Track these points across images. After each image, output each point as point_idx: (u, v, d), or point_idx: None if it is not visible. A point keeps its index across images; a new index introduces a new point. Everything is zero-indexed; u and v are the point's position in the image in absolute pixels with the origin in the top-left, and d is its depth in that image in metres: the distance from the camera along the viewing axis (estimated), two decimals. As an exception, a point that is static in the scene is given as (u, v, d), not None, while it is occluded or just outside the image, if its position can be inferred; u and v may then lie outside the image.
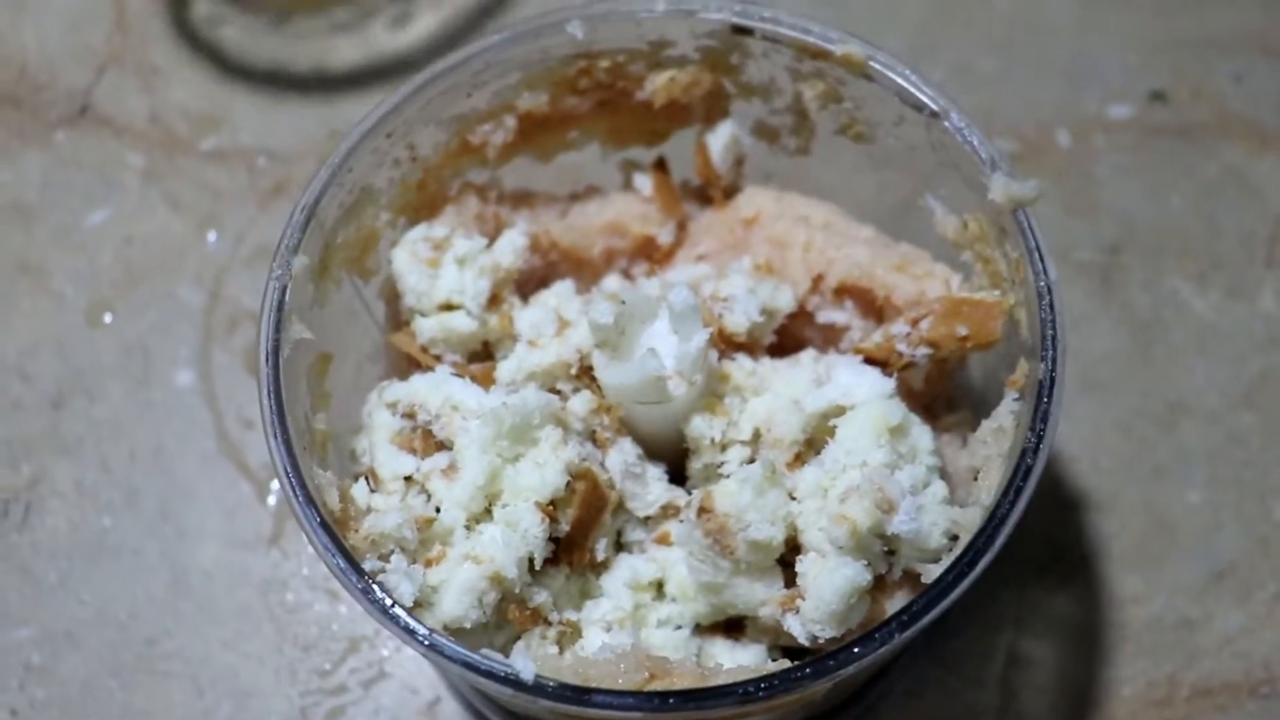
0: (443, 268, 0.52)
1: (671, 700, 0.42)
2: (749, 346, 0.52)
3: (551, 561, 0.48)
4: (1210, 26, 0.71)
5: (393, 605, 0.44)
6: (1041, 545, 0.59)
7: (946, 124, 0.49)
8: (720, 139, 0.55)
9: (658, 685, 0.43)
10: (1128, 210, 0.67)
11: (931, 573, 0.46)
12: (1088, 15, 0.72)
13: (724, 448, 0.50)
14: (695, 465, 0.50)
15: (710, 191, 0.56)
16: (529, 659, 0.42)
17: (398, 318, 0.54)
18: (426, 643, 0.43)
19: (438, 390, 0.50)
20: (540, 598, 0.48)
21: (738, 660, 0.48)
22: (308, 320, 0.49)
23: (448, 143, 0.53)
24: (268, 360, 0.47)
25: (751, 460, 0.49)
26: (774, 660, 0.48)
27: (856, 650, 0.41)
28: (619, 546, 0.50)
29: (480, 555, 0.47)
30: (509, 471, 0.48)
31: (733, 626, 0.49)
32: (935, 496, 0.47)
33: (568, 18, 0.52)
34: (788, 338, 0.53)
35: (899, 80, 0.50)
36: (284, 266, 0.48)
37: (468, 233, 0.54)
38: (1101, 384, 0.63)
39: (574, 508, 0.48)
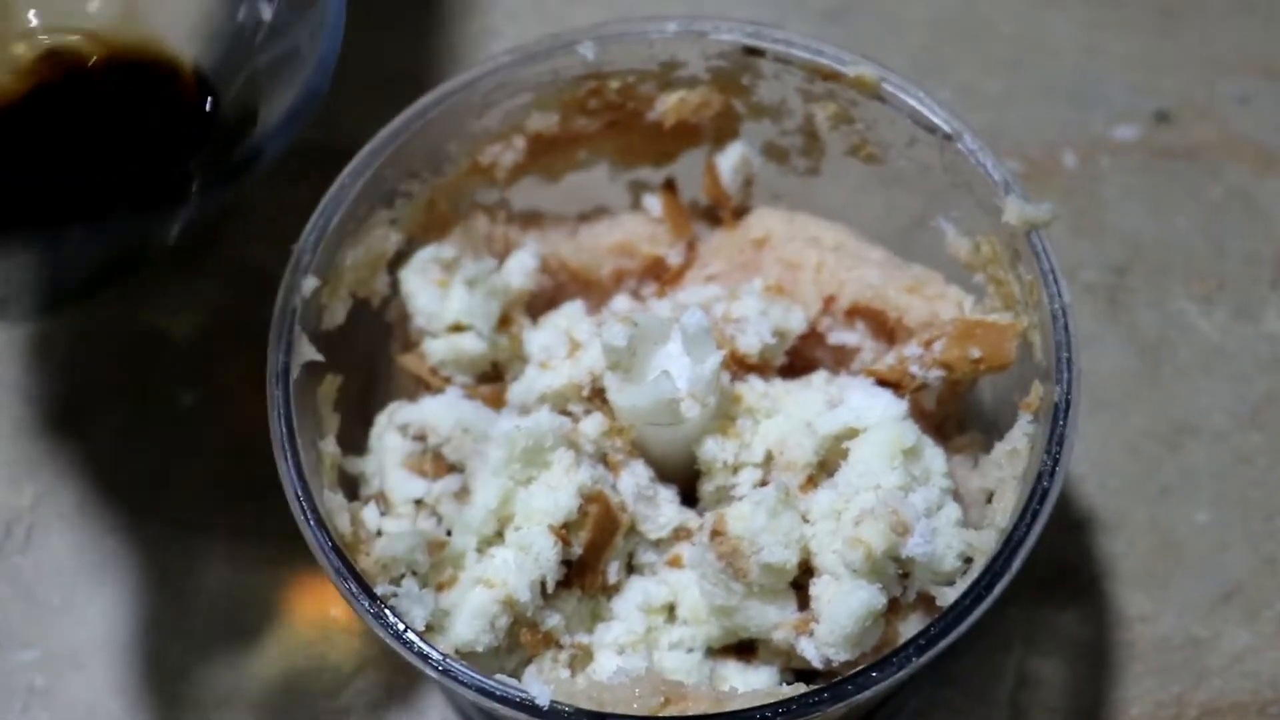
0: (452, 289, 0.52)
1: (687, 725, 0.42)
2: (761, 368, 0.51)
3: (563, 585, 0.48)
4: (1215, 48, 0.71)
5: (405, 630, 0.43)
6: (1049, 564, 0.59)
7: (959, 146, 0.49)
8: (730, 160, 0.55)
9: (673, 710, 0.43)
10: (1134, 231, 0.67)
11: (946, 595, 0.46)
12: (1092, 36, 0.72)
13: (736, 470, 0.50)
14: (707, 487, 0.50)
15: (720, 212, 0.56)
16: (544, 684, 0.42)
17: (407, 339, 0.54)
18: (440, 668, 0.43)
19: (449, 413, 0.50)
20: (552, 621, 0.48)
21: (750, 683, 0.48)
22: (316, 342, 0.49)
23: (457, 163, 0.53)
24: (277, 382, 0.47)
25: (764, 482, 0.49)
26: (787, 683, 0.48)
27: (875, 675, 0.41)
28: (631, 569, 0.50)
29: (492, 579, 0.47)
30: (521, 494, 0.48)
31: (745, 649, 0.49)
32: (949, 519, 0.47)
33: (579, 38, 0.52)
34: (799, 359, 0.53)
35: (911, 102, 0.50)
36: (294, 288, 0.48)
37: (477, 253, 0.53)
38: (1108, 404, 0.63)
39: (586, 530, 0.48)
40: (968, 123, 0.50)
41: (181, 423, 0.63)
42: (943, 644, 0.42)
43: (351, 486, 0.52)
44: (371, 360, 0.55)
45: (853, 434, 0.49)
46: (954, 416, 0.53)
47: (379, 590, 0.45)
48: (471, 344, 0.52)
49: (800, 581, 0.47)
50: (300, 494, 0.45)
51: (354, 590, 0.44)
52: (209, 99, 0.49)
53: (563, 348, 0.51)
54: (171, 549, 0.61)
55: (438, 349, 0.52)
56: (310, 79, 0.43)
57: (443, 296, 0.52)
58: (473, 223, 0.55)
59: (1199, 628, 0.58)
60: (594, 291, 0.55)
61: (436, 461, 0.49)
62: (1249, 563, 0.59)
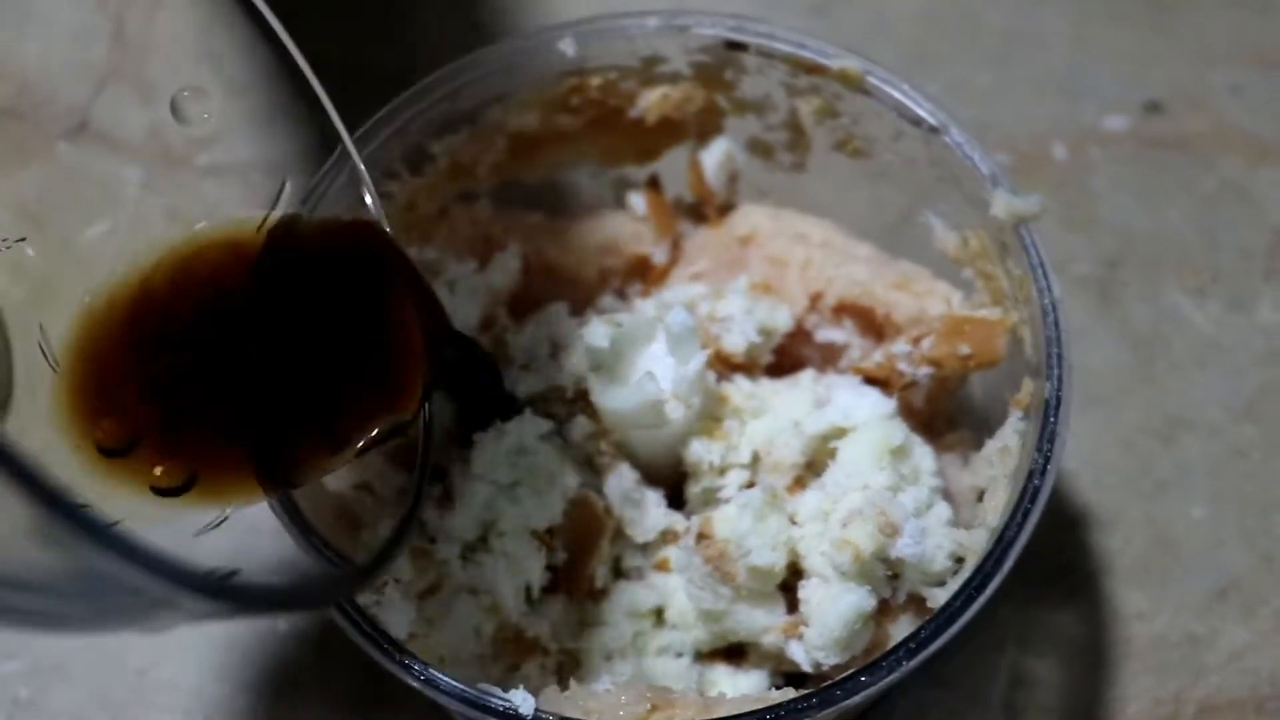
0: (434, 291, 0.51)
1: (675, 732, 0.41)
2: (747, 367, 0.51)
3: (549, 590, 0.48)
4: (1205, 38, 0.71)
5: (388, 638, 0.43)
6: (1043, 562, 0.58)
7: (946, 139, 0.48)
8: (714, 156, 0.55)
9: (660, 717, 0.42)
10: (1125, 223, 0.66)
11: (937, 596, 0.45)
12: (1082, 27, 0.71)
13: (723, 471, 0.49)
14: (694, 489, 0.49)
15: (705, 210, 0.55)
16: (528, 693, 0.41)
17: None
18: (422, 677, 0.42)
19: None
20: (539, 628, 0.47)
21: (739, 687, 0.47)
22: None
23: (437, 163, 0.53)
24: None
25: (751, 484, 0.49)
26: (776, 686, 0.48)
27: (864, 679, 0.41)
28: (618, 573, 0.49)
29: (477, 585, 0.46)
30: (505, 499, 0.47)
31: (734, 653, 0.49)
32: (939, 519, 0.47)
33: (559, 35, 0.51)
34: (786, 357, 0.52)
35: (896, 95, 0.49)
36: None
37: (459, 255, 0.53)
38: (1101, 399, 0.62)
39: (571, 535, 0.47)
40: (954, 115, 0.49)
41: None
42: (934, 646, 0.41)
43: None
44: None
45: (840, 433, 0.48)
46: (944, 414, 0.53)
47: (361, 599, 0.44)
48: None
49: (789, 584, 0.47)
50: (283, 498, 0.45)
51: (335, 598, 0.43)
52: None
53: (545, 349, 0.51)
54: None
55: (420, 352, 0.51)
56: None
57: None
58: (454, 224, 0.54)
59: (1196, 624, 0.58)
60: (578, 291, 0.55)
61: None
62: (1246, 558, 0.59)
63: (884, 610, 0.46)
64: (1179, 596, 0.58)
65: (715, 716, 0.42)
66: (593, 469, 0.49)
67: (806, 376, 0.51)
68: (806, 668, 0.46)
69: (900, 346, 0.50)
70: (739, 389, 0.50)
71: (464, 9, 0.72)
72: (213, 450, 0.42)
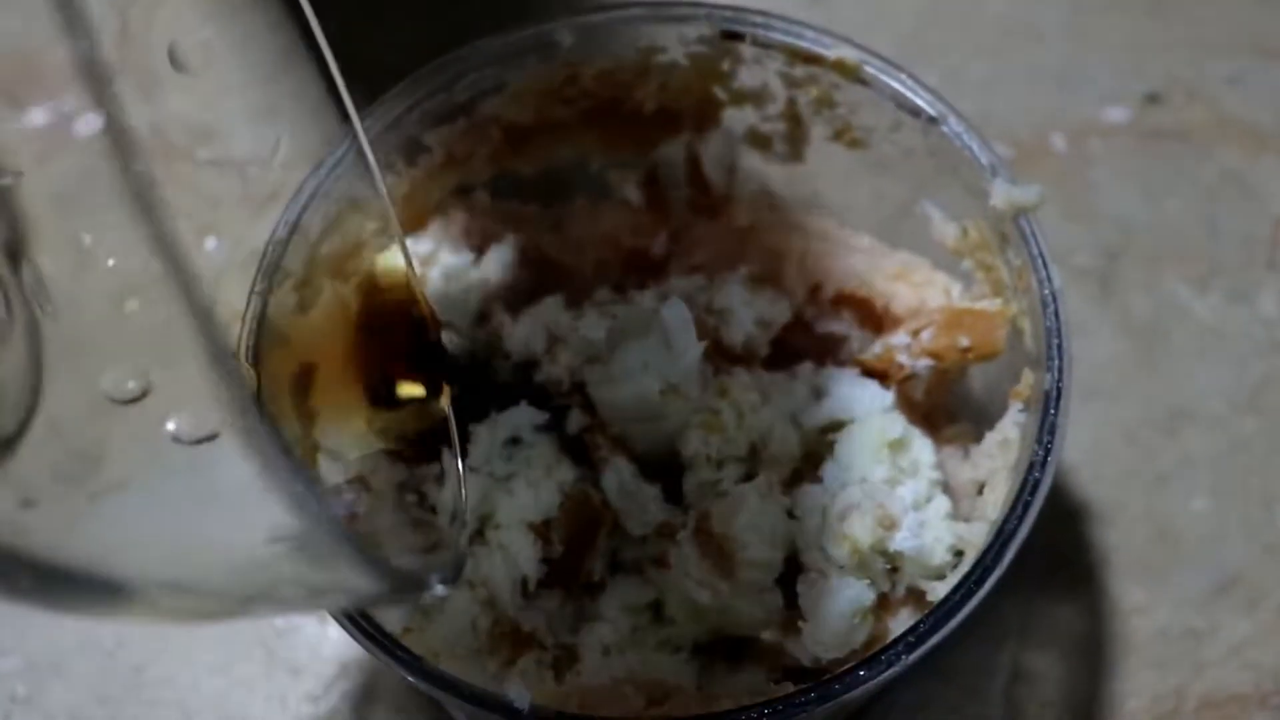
0: (428, 284, 0.51)
1: (673, 727, 0.41)
2: (745, 359, 0.51)
3: (545, 584, 0.47)
4: (1204, 28, 0.71)
5: (381, 632, 0.42)
6: (1043, 556, 0.58)
7: (944, 129, 0.48)
8: (712, 147, 0.54)
9: (658, 711, 0.42)
10: (1125, 215, 0.66)
11: (937, 590, 0.45)
12: (1080, 18, 0.71)
13: (720, 464, 0.49)
14: (691, 483, 0.49)
15: (702, 201, 0.55)
16: (524, 687, 0.41)
17: None
18: (416, 671, 0.42)
19: None
20: (535, 621, 0.47)
21: (738, 683, 0.47)
22: (292, 330, 0.48)
23: (432, 155, 0.52)
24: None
25: (748, 477, 0.48)
26: (775, 681, 0.47)
27: (864, 673, 0.40)
28: (615, 567, 0.49)
29: (472, 579, 0.46)
30: (500, 492, 0.47)
31: (733, 648, 0.48)
32: (938, 512, 0.46)
33: (554, 26, 0.51)
34: (784, 349, 0.52)
35: (894, 84, 0.49)
36: (266, 279, 0.47)
37: (454, 247, 0.53)
38: (1102, 391, 0.62)
39: (568, 529, 0.47)
40: (952, 105, 0.49)
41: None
42: (933, 640, 0.41)
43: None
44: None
45: (839, 426, 0.48)
46: (943, 407, 0.52)
47: (356, 592, 0.44)
48: (448, 340, 0.51)
49: (787, 578, 0.46)
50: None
51: (330, 593, 0.43)
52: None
53: (541, 342, 0.50)
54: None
55: (415, 345, 0.51)
56: None
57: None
58: (450, 216, 0.54)
59: (1197, 619, 0.57)
60: (575, 284, 0.54)
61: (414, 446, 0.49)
62: (1248, 552, 0.59)
63: (883, 604, 0.46)
64: (1180, 590, 0.58)
65: (713, 711, 0.41)
66: (589, 462, 0.49)
67: (805, 369, 0.51)
68: (805, 662, 0.46)
69: (899, 338, 0.50)
70: (737, 381, 0.49)
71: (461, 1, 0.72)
72: None
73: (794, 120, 0.53)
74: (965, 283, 0.51)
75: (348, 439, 0.49)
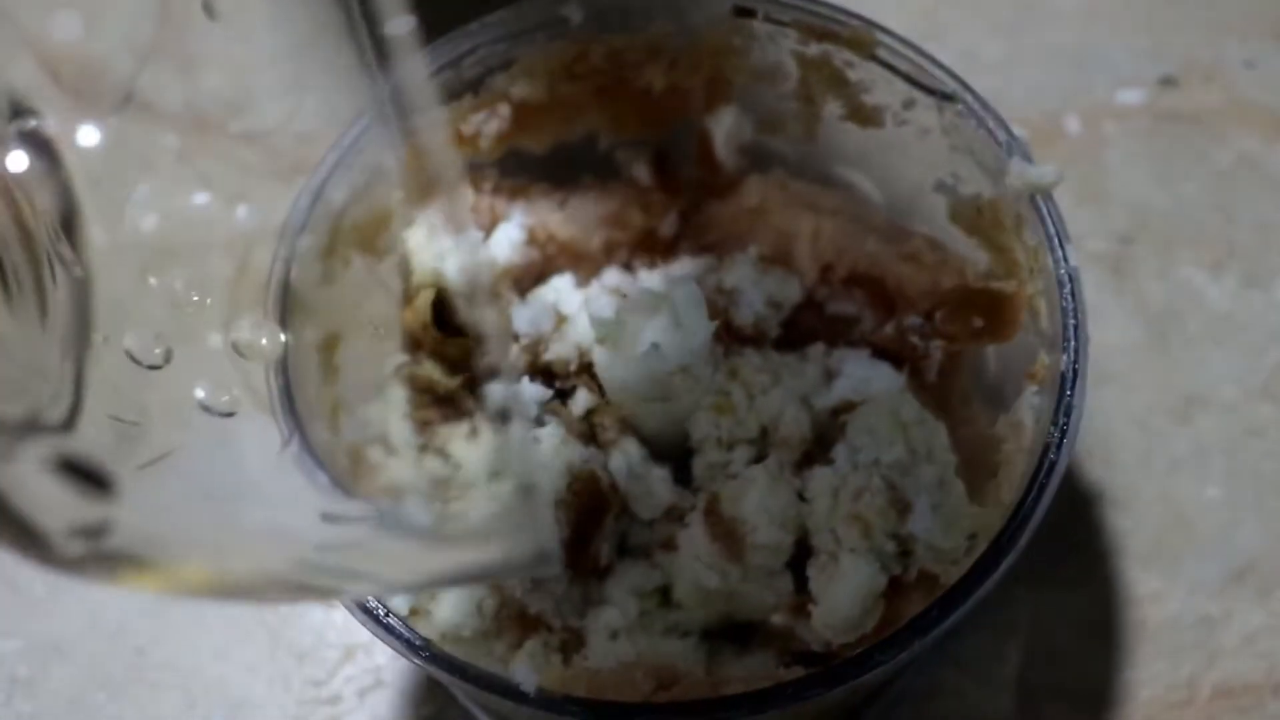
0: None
1: (682, 712, 0.40)
2: (755, 340, 0.50)
3: (553, 566, 0.47)
4: (1220, 10, 0.70)
5: (387, 614, 0.42)
6: (1056, 543, 0.58)
7: (959, 107, 0.48)
8: (723, 126, 0.54)
9: (667, 696, 0.42)
10: (1139, 198, 0.65)
11: (950, 574, 0.44)
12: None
13: (730, 446, 0.48)
14: (700, 465, 0.49)
15: (713, 180, 0.55)
16: (531, 670, 0.41)
17: (409, 295, 0.53)
18: (423, 654, 0.41)
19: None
20: (541, 604, 0.46)
21: (747, 668, 0.47)
22: (316, 297, 0.48)
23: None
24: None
25: (759, 459, 0.48)
26: (785, 666, 0.47)
27: (875, 657, 0.40)
28: (623, 551, 0.49)
29: (478, 561, 0.45)
30: (508, 472, 0.47)
31: (743, 633, 0.48)
32: (952, 494, 0.46)
33: (563, 2, 0.50)
34: (795, 330, 0.52)
35: (908, 61, 0.48)
36: (289, 247, 0.47)
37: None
38: (1115, 377, 0.61)
39: (575, 511, 0.46)
40: (967, 83, 0.48)
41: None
42: (946, 624, 0.41)
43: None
44: (377, 314, 0.54)
45: (850, 408, 0.47)
46: (957, 389, 0.52)
47: (361, 574, 0.43)
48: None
49: (797, 562, 0.46)
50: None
51: (334, 574, 0.43)
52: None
53: (549, 323, 0.50)
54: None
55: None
56: None
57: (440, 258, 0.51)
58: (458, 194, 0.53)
59: (1211, 606, 0.57)
60: (584, 264, 0.54)
61: (443, 408, 0.48)
62: (1262, 539, 0.58)
63: (895, 588, 0.45)
64: (1194, 578, 0.57)
65: (722, 694, 0.41)
66: (597, 444, 0.48)
67: (816, 350, 0.50)
68: (815, 647, 0.45)
69: (912, 319, 0.49)
70: (747, 362, 0.49)
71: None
72: None
73: (806, 99, 0.52)
74: (980, 263, 0.50)
75: (373, 400, 0.49)
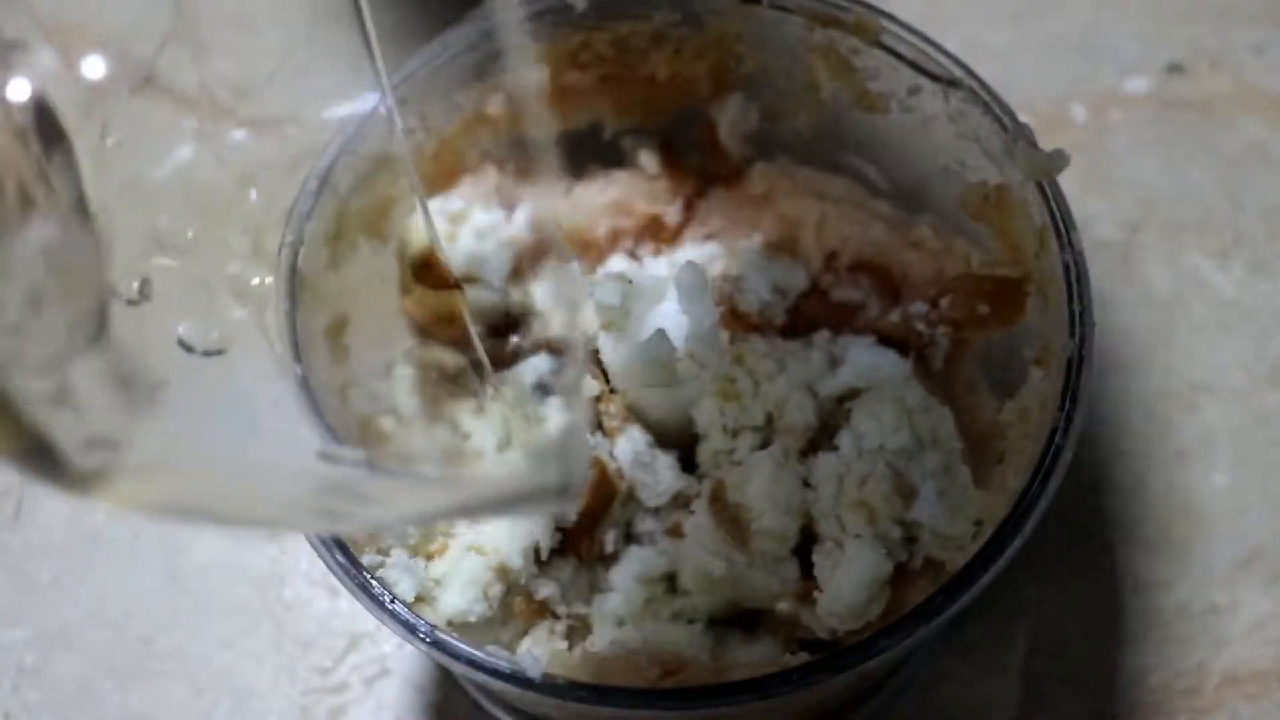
0: (459, 241, 0.51)
1: (687, 697, 0.40)
2: (760, 327, 0.50)
3: (559, 553, 0.47)
4: (1227, -3, 0.70)
5: (393, 601, 0.42)
6: (1062, 530, 0.58)
7: (965, 93, 0.48)
8: (728, 113, 0.54)
9: (672, 682, 0.42)
10: (1146, 186, 0.65)
11: (955, 560, 0.44)
12: (1101, -14, 0.70)
13: (735, 433, 0.48)
14: (705, 452, 0.49)
15: (718, 168, 0.55)
16: (537, 656, 0.41)
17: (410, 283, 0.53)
18: (429, 640, 0.41)
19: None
20: (547, 590, 0.46)
21: (753, 654, 0.47)
22: (323, 282, 0.48)
23: (462, 112, 0.52)
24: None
25: (764, 446, 0.48)
26: (790, 653, 0.47)
27: (880, 644, 0.40)
28: (629, 538, 0.49)
29: (484, 546, 0.45)
30: (514, 457, 0.47)
31: (748, 620, 0.48)
32: (957, 481, 0.46)
33: None
34: (800, 318, 0.52)
35: (914, 48, 0.48)
36: (296, 232, 0.47)
37: (486, 205, 0.52)
38: (1122, 364, 0.61)
39: (582, 497, 0.46)
40: (972, 70, 0.48)
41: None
42: (951, 611, 0.41)
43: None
44: (383, 299, 0.54)
45: (856, 395, 0.47)
46: (963, 375, 0.52)
47: (366, 560, 0.43)
48: (482, 295, 0.51)
49: (803, 548, 0.46)
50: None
51: (340, 561, 0.43)
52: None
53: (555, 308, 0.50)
54: (164, 524, 0.59)
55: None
56: None
57: (450, 249, 0.51)
58: (482, 173, 0.53)
59: (1218, 594, 0.57)
60: (589, 251, 0.54)
61: (450, 386, 0.49)
62: (1269, 527, 0.58)
63: (900, 575, 0.45)
64: (1201, 566, 0.57)
65: (728, 680, 0.41)
66: (603, 431, 0.48)
67: (821, 337, 0.50)
68: (821, 634, 0.45)
69: (917, 306, 0.49)
70: (752, 349, 0.49)
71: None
72: None
73: (812, 86, 0.52)
74: (985, 249, 0.50)
75: (382, 376, 0.49)
